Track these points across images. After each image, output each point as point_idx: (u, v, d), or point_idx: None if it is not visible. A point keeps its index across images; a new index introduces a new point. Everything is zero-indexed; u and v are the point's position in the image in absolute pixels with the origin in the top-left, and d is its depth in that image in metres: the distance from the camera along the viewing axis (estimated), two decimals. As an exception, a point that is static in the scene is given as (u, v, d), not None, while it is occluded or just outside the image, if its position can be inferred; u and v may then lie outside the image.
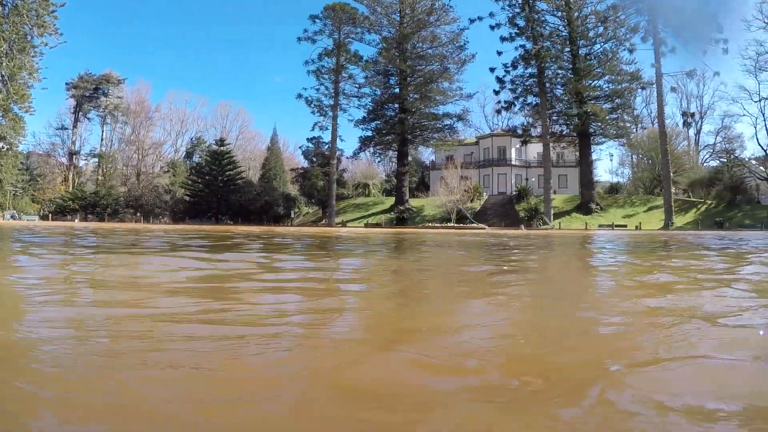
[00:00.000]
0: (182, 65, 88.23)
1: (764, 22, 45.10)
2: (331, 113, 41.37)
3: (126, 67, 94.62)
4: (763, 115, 48.41)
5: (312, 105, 41.74)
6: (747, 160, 49.82)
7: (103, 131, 61.06)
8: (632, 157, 51.71)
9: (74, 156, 60.22)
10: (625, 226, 38.02)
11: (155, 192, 49.37)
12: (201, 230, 16.08)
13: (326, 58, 42.62)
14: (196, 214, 45.36)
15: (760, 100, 48.40)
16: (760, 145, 47.76)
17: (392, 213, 39.72)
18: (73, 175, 58.62)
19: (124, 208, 49.95)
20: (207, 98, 72.17)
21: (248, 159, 52.99)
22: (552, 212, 37.85)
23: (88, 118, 61.35)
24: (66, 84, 59.26)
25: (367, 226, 38.16)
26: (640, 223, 38.22)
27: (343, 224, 39.51)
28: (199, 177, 46.49)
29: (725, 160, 46.96)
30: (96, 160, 59.52)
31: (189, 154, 54.15)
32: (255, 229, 22.17)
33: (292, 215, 43.72)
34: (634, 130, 43.72)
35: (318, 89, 42.09)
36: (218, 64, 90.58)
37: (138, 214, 48.78)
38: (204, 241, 9.10)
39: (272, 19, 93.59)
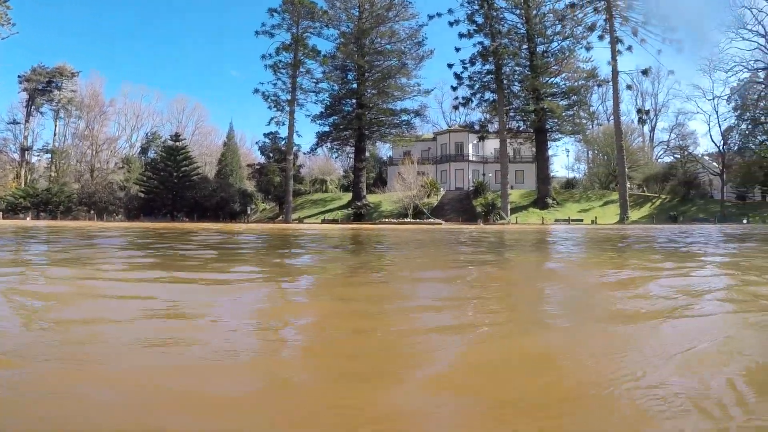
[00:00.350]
0: (138, 58, 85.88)
1: (718, 23, 46.85)
2: (288, 108, 40.63)
3: (80, 59, 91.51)
4: (717, 112, 50.11)
5: (269, 100, 40.93)
6: (700, 156, 51.52)
7: (56, 126, 58.73)
8: (588, 153, 52.78)
9: (26, 152, 57.71)
10: (581, 220, 38.62)
11: (109, 189, 47.64)
12: (149, 228, 14.81)
13: (284, 52, 41.84)
14: (151, 211, 43.95)
15: (713, 99, 50.15)
16: (713, 141, 49.44)
17: (349, 209, 39.29)
18: (25, 171, 56.13)
19: (78, 206, 48.07)
20: (163, 92, 70.53)
21: (204, 154, 51.70)
22: (509, 207, 38.11)
23: (41, 113, 58.83)
24: (18, 77, 56.74)
25: (324, 222, 37.62)
26: (596, 217, 38.85)
27: (300, 220, 38.86)
28: (153, 173, 45.07)
29: (679, 157, 48.39)
30: (49, 156, 57.20)
31: (144, 150, 52.49)
32: (211, 226, 21.05)
33: (249, 211, 42.78)
34: (590, 126, 44.56)
35: (275, 84, 41.35)
36: (175, 58, 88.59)
37: (92, 212, 47.00)
38: (149, 241, 7.93)
39: (230, 11, 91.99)
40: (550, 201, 40.34)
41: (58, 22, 78.85)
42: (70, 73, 59.51)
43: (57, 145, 57.33)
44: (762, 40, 47.78)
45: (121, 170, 50.71)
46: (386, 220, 35.29)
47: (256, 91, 41.14)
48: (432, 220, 32.71)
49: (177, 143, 45.16)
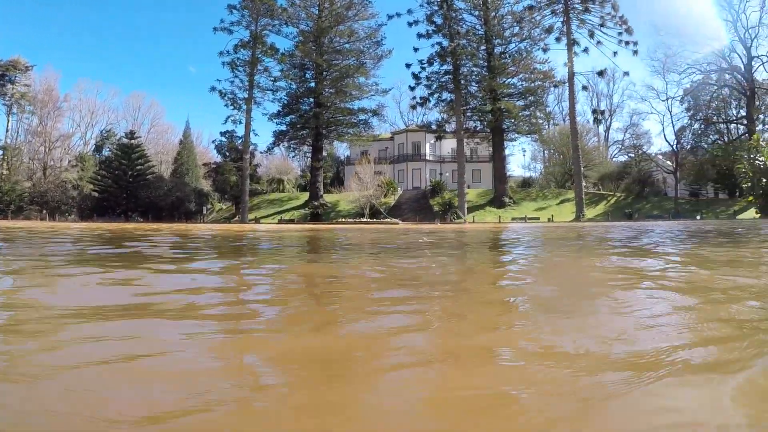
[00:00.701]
0: (94, 53, 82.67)
1: (673, 27, 48.32)
2: (245, 107, 40.06)
3: (35, 53, 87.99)
4: (670, 113, 51.73)
5: (226, 98, 40.24)
6: (654, 155, 53.21)
7: (8, 122, 56.43)
8: (544, 153, 53.90)
9: (-24, 149, 55.30)
10: (538, 218, 39.37)
11: (62, 188, 46.07)
12: (94, 229, 13.73)
13: (242, 49, 41.16)
14: (104, 211, 42.74)
15: (667, 99, 51.77)
16: (667, 140, 51.10)
17: (307, 209, 39.08)
18: (-25, 169, 53.81)
19: (29, 205, 46.38)
20: (119, 89, 68.47)
21: (161, 153, 50.49)
22: (466, 206, 38.56)
23: (-7, 108, 56.51)
24: (-30, 70, 54.22)
25: (280, 222, 37.33)
26: (552, 215, 39.61)
27: (257, 221, 38.44)
28: (107, 172, 43.80)
29: (633, 156, 49.85)
30: (0, 152, 54.92)
31: (99, 148, 50.92)
32: (162, 226, 20.12)
33: (205, 211, 42.04)
34: (547, 126, 45.44)
35: (233, 82, 40.64)
36: (133, 54, 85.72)
37: (44, 212, 45.41)
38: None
39: (188, 7, 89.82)
40: (506, 200, 41.00)
41: (12, 15, 75.42)
42: (24, 66, 57.04)
43: (9, 141, 55.13)
44: (715, 44, 49.54)
45: (74, 168, 49.06)
46: (343, 220, 35.24)
47: (213, 89, 40.43)
48: (389, 220, 32.83)
49: (132, 141, 43.98)
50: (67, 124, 55.37)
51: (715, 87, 52.21)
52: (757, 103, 49.46)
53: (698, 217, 38.32)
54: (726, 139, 53.05)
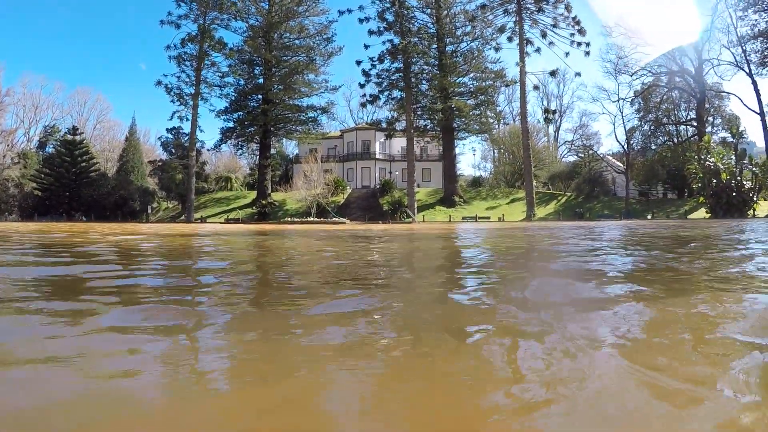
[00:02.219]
0: (39, 47, 79.43)
1: (624, 29, 49.31)
2: (191, 102, 39.16)
3: None
4: (622, 113, 52.91)
5: (172, 93, 39.26)
6: (604, 155, 54.43)
7: (-53, 116, 53.82)
8: (494, 152, 54.66)
9: None
10: (489, 218, 39.72)
11: (2, 186, 44.16)
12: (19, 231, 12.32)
13: (189, 44, 40.21)
14: (47, 210, 41.19)
15: (618, 100, 52.94)
16: (618, 141, 52.14)
17: (254, 207, 38.52)
18: None
19: (-35, 204, 44.35)
20: (63, 84, 66.20)
21: (106, 150, 49.01)
22: (416, 205, 38.64)
23: (-70, 101, 53.71)
24: None
25: (227, 221, 36.65)
26: (503, 214, 40.01)
27: (203, 220, 37.68)
28: (50, 169, 42.20)
29: (583, 156, 50.88)
30: (-62, 149, 52.32)
31: (42, 144, 49.03)
32: (96, 227, 19.01)
33: (150, 210, 40.98)
34: (497, 126, 45.92)
35: (179, 77, 39.67)
36: (81, 47, 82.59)
37: (-17, 211, 43.49)
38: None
39: (140, 1, 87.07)
40: (457, 199, 41.30)
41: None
42: (-34, 58, 54.69)
43: (-51, 137, 52.57)
44: (666, 46, 50.77)
45: (17, 166, 47.09)
46: (290, 219, 34.79)
47: (159, 83, 39.39)
48: (336, 219, 32.46)
49: (75, 137, 42.49)
50: (10, 119, 53.20)
51: (666, 89, 53.71)
52: (706, 105, 50.95)
53: (649, 217, 39.19)
54: (675, 140, 54.71)
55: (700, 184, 40.27)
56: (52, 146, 46.88)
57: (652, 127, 54.21)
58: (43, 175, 42.67)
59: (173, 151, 40.84)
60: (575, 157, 53.01)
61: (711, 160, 36.98)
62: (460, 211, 40.43)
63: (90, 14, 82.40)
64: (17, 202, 44.03)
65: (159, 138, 41.80)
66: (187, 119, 39.27)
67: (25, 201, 43.34)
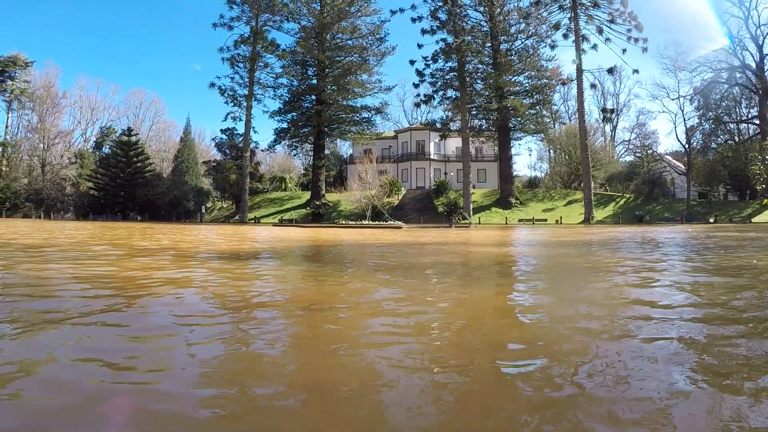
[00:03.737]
0: (95, 49, 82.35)
1: (683, 23, 47.09)
2: (245, 103, 39.23)
3: (36, 49, 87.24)
4: (682, 111, 50.32)
5: (226, 94, 39.46)
6: (662, 155, 51.97)
7: (8, 118, 55.97)
8: (550, 152, 52.76)
9: (-24, 146, 54.78)
10: (546, 220, 38.34)
11: (58, 186, 45.38)
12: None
13: (242, 45, 40.38)
14: (102, 209, 42.03)
15: (678, 98, 50.41)
16: (679, 140, 49.77)
17: (308, 208, 38.16)
18: (-26, 166, 53.26)
19: (24, 203, 45.74)
20: (119, 85, 67.87)
21: (162, 151, 49.70)
22: (471, 207, 37.55)
23: (-7, 104, 55.98)
24: (-30, 66, 53.76)
25: (281, 222, 36.39)
26: (560, 217, 38.56)
27: (257, 220, 37.58)
28: (105, 169, 43.08)
29: (641, 155, 48.62)
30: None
31: (98, 145, 50.20)
32: (135, 227, 18.80)
33: (204, 210, 41.16)
34: (553, 126, 44.30)
35: (233, 78, 39.90)
36: (135, 50, 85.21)
37: (41, 209, 44.78)
38: None
39: (194, 3, 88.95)
40: (513, 200, 39.98)
41: (13, 11, 74.90)
42: (23, 62, 56.65)
43: (9, 138, 54.58)
44: (727, 41, 48.30)
45: (74, 165, 48.38)
46: (344, 222, 34.12)
47: (212, 85, 39.65)
48: (392, 222, 31.28)
49: (130, 137, 43.25)
50: (67, 120, 54.94)
51: (726, 86, 51.02)
52: (768, 102, 48.11)
53: (711, 220, 37.20)
54: (737, 139, 51.90)
55: (764, 186, 37.88)
56: (107, 147, 47.99)
57: (713, 126, 51.61)
58: (99, 175, 43.60)
59: (227, 151, 41.00)
60: (632, 157, 50.80)
61: (776, 160, 34.77)
62: (516, 213, 39.11)
63: (144, 17, 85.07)
64: (73, 200, 45.15)
65: (213, 138, 42.18)
66: (241, 120, 39.41)
67: (80, 200, 44.38)
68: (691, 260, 5.70)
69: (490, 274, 4.48)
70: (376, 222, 31.62)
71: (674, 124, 71.72)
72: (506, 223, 35.70)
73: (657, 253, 6.66)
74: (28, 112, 54.37)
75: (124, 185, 41.47)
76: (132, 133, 44.04)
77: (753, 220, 36.51)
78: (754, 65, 48.03)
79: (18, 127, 55.29)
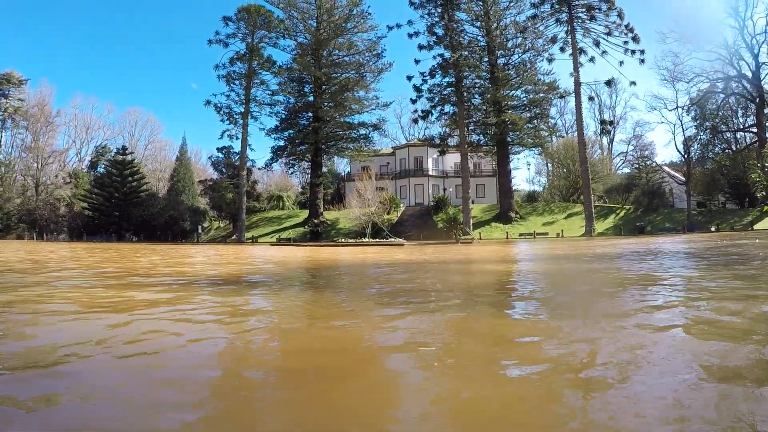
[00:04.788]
0: (91, 68, 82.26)
1: (679, 35, 47.28)
2: (241, 121, 38.86)
3: (30, 66, 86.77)
4: (681, 122, 50.27)
5: (222, 112, 39.17)
6: (660, 166, 51.88)
7: (2, 137, 55.40)
8: (548, 166, 52.58)
9: (-32, 165, 54.06)
10: (547, 234, 37.95)
11: (51, 206, 44.66)
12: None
13: (238, 62, 40.23)
14: (96, 230, 41.34)
15: (676, 108, 50.39)
16: (678, 151, 49.58)
17: (306, 227, 37.63)
18: (-34, 186, 52.50)
19: (17, 224, 44.96)
20: (114, 105, 67.49)
21: (158, 170, 49.12)
22: (471, 222, 37.15)
23: (-15, 123, 55.42)
24: (-37, 83, 53.30)
25: (279, 242, 35.80)
26: (561, 230, 38.22)
27: (254, 240, 36.99)
28: (100, 189, 42.46)
29: (638, 166, 48.51)
30: (-8, 169, 53.71)
31: (93, 164, 49.61)
32: (124, 249, 17.54)
33: (201, 230, 40.53)
34: (551, 139, 44.13)
35: (228, 95, 39.66)
36: (130, 69, 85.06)
37: (34, 230, 44.03)
38: None
39: (188, 22, 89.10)
40: (513, 215, 39.61)
41: (7, 28, 74.59)
42: (17, 80, 56.26)
43: (2, 157, 53.96)
44: (723, 51, 48.44)
45: (68, 185, 47.72)
46: (343, 240, 33.56)
47: (208, 102, 39.40)
48: (393, 240, 30.63)
49: (125, 157, 42.71)
50: (62, 139, 54.35)
51: (722, 95, 51.13)
52: (766, 110, 48.25)
53: (713, 229, 37.01)
54: (734, 148, 51.92)
55: (764, 193, 37.72)
56: (102, 166, 47.41)
57: (710, 136, 51.64)
58: (93, 195, 42.96)
59: (224, 170, 40.55)
60: (629, 168, 50.72)
61: (776, 167, 34.69)
62: (516, 228, 38.72)
63: (138, 35, 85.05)
64: (67, 221, 44.43)
65: (209, 157, 41.76)
66: (237, 138, 38.97)
67: (74, 221, 43.67)
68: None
69: (539, 307, 3.35)
70: (377, 239, 31.04)
71: (673, 134, 71.90)
72: (507, 238, 35.29)
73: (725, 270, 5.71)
74: (22, 131, 53.87)
75: (119, 205, 40.85)
76: (127, 152, 43.55)
77: (755, 227, 36.36)
78: (750, 74, 48.19)
79: (12, 146, 54.75)
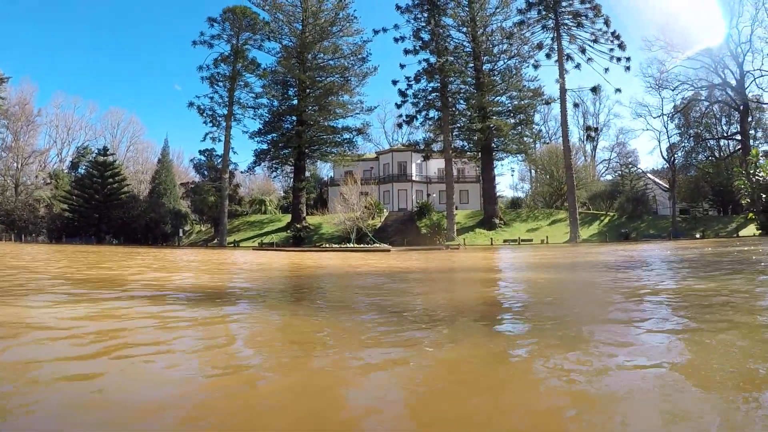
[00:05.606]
0: (74, 67, 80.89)
1: (665, 42, 47.70)
2: (225, 123, 38.47)
3: (12, 65, 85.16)
4: (666, 129, 50.78)
5: (205, 114, 38.74)
6: (644, 172, 52.31)
7: (-18, 136, 54.26)
8: (531, 172, 52.84)
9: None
10: (531, 240, 37.99)
11: (30, 207, 43.80)
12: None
13: (222, 64, 39.84)
14: (76, 232, 40.61)
15: (661, 115, 50.88)
16: (663, 158, 50.06)
17: (289, 231, 37.29)
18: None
19: (-5, 225, 44.07)
20: (96, 104, 66.50)
21: (139, 172, 48.43)
22: (455, 228, 37.09)
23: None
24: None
25: (260, 246, 35.40)
26: (546, 237, 38.28)
27: (236, 244, 36.55)
28: (80, 190, 41.71)
29: (621, 174, 48.89)
30: (-29, 169, 52.56)
31: (74, 165, 48.79)
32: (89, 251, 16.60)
33: (182, 234, 39.99)
34: (535, 145, 44.26)
35: (212, 97, 39.24)
36: (114, 69, 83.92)
37: (13, 232, 43.14)
38: None
39: (172, 22, 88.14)
40: (497, 221, 39.60)
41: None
42: (-1, 78, 55.31)
43: (-19, 156, 52.85)
44: (708, 59, 48.97)
45: (48, 186, 46.85)
46: (327, 245, 33.15)
47: (191, 104, 38.95)
48: (378, 246, 30.24)
49: (105, 158, 42.03)
50: (43, 139, 53.42)
51: (706, 103, 51.72)
52: (749, 118, 48.89)
53: (698, 236, 37.32)
54: (717, 155, 52.54)
55: (749, 200, 38.12)
56: (83, 167, 46.63)
57: (693, 143, 52.18)
58: (73, 197, 42.22)
59: (206, 173, 40.07)
60: (612, 176, 51.08)
61: (761, 174, 35.07)
62: (500, 234, 38.72)
63: (122, 35, 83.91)
64: (46, 223, 43.60)
65: (192, 160, 41.21)
66: (220, 140, 38.60)
67: (53, 222, 42.86)
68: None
69: (561, 325, 2.75)
70: (362, 245, 30.58)
71: (658, 141, 72.58)
72: (492, 244, 35.24)
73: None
74: (3, 130, 52.83)
75: (99, 207, 40.16)
76: (108, 152, 42.85)
77: (740, 233, 36.71)
78: (734, 82, 48.77)
79: (-8, 145, 53.70)
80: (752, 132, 49.77)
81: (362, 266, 9.60)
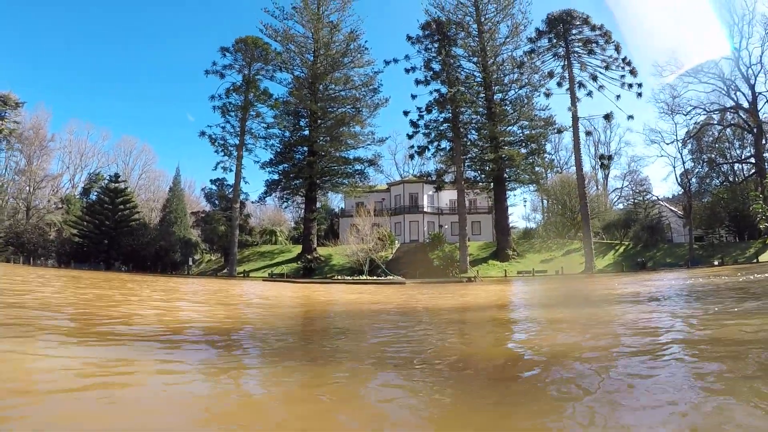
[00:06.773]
0: (88, 93, 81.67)
1: (676, 67, 47.36)
2: (236, 153, 38.51)
3: (28, 90, 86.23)
4: (681, 155, 49.96)
5: (216, 143, 38.81)
6: (658, 200, 51.52)
7: (-4, 158, 54.86)
8: (543, 202, 52.23)
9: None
10: (545, 271, 37.27)
11: (40, 230, 43.91)
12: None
13: (234, 94, 40.04)
14: (85, 258, 40.55)
15: (675, 141, 50.17)
16: (679, 184, 49.17)
17: (299, 262, 36.95)
18: (-43, 207, 51.76)
19: (5, 246, 44.18)
20: (109, 132, 67.26)
21: (151, 200, 48.55)
22: (468, 259, 36.57)
23: (-20, 144, 54.95)
24: (-42, 104, 52.89)
25: (271, 277, 35.09)
26: (561, 267, 37.52)
27: (246, 274, 36.25)
28: (91, 216, 41.79)
29: (633, 202, 48.16)
30: (-16, 191, 53.01)
31: (86, 191, 49.05)
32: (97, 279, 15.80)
33: (192, 263, 39.80)
34: (547, 175, 43.85)
35: (224, 127, 39.35)
36: (127, 97, 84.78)
37: (22, 254, 43.21)
38: None
39: (189, 53, 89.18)
40: (510, 252, 39.01)
41: (6, 50, 74.58)
42: (14, 102, 55.87)
43: (-5, 179, 53.35)
44: (719, 83, 48.53)
45: (59, 210, 47.04)
46: (339, 277, 32.69)
47: (203, 133, 39.07)
48: (393, 279, 29.41)
49: (117, 185, 42.17)
50: (56, 164, 53.85)
51: (719, 127, 51.13)
52: (763, 140, 48.09)
53: (716, 263, 36.50)
54: (731, 179, 51.75)
55: (767, 224, 37.31)
56: (95, 193, 46.86)
57: (707, 168, 51.45)
58: (84, 222, 42.29)
59: (217, 202, 40.02)
60: (624, 204, 50.40)
61: (779, 197, 34.49)
62: (514, 265, 38.09)
63: (136, 66, 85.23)
64: (55, 247, 43.66)
65: (203, 189, 41.23)
66: (231, 170, 38.62)
67: (62, 247, 42.88)
68: None
69: None
70: (375, 277, 29.91)
71: (673, 167, 71.73)
72: (506, 276, 34.65)
73: None
74: (17, 154, 53.37)
75: (109, 233, 40.13)
76: (119, 179, 43.00)
77: (759, 259, 35.93)
78: (746, 104, 48.21)
79: (5, 168, 54.19)
80: (766, 155, 49.00)
81: (377, 302, 8.88)
